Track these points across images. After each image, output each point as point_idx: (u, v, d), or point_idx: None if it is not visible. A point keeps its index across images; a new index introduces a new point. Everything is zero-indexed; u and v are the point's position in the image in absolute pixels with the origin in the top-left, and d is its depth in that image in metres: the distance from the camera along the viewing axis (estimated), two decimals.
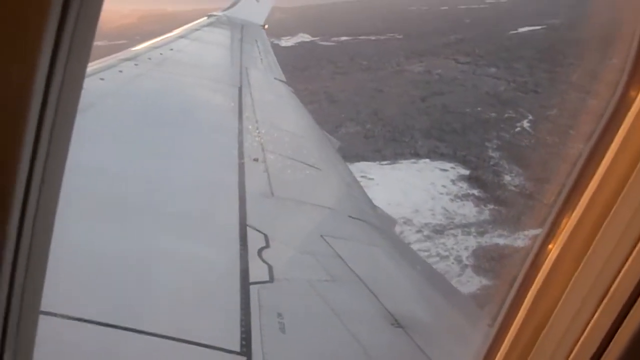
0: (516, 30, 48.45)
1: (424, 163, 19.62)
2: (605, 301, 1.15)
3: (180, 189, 4.22)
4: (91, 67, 7.15)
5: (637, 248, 1.09)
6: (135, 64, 8.11)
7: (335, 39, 52.84)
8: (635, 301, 1.08)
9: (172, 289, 2.78)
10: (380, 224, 5.38)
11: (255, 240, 3.38)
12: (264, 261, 3.17)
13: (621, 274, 1.11)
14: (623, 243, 1.12)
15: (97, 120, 5.10)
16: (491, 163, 18.49)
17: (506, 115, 23.03)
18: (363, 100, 27.18)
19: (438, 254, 14.60)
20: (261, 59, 12.85)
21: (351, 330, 2.87)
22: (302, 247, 3.73)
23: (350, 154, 21.69)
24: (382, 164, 19.98)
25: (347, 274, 3.48)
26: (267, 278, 2.98)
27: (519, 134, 21.21)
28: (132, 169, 4.29)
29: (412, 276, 4.26)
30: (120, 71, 7.44)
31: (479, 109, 23.96)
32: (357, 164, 20.28)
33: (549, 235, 1.30)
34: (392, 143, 21.57)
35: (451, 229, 15.45)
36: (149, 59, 8.80)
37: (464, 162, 19.33)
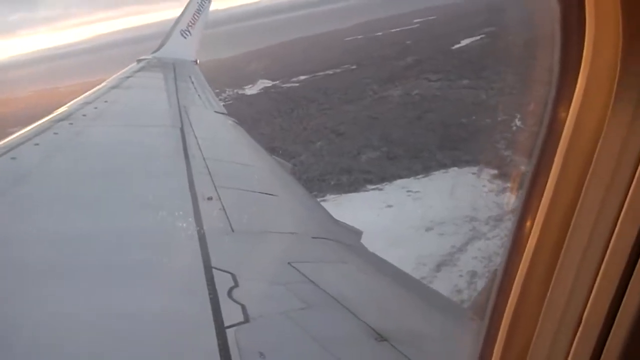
0: (459, 43, 52.03)
1: (454, 171, 22.00)
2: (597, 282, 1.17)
3: (136, 241, 4.12)
4: (23, 133, 7.08)
5: (619, 222, 1.12)
6: (70, 123, 7.87)
7: (295, 79, 54.63)
8: (630, 272, 1.10)
9: (145, 348, 2.68)
10: (346, 239, 5.38)
11: (223, 282, 3.31)
12: (235, 301, 3.09)
13: (610, 245, 1.13)
14: (602, 219, 1.14)
15: (37, 188, 5.07)
16: (509, 160, 20.84)
17: (499, 118, 25.73)
18: (365, 129, 29.33)
19: None
20: (198, 95, 12.90)
21: (336, 354, 2.86)
22: (272, 278, 3.66)
23: (385, 175, 24.03)
24: (417, 178, 22.20)
25: (321, 298, 3.43)
26: (241, 319, 2.92)
27: (517, 132, 23.77)
28: (85, 229, 4.20)
29: (386, 286, 4.27)
30: (56, 133, 7.20)
31: (473, 117, 26.64)
32: (395, 182, 22.65)
33: (524, 220, 1.34)
34: (415, 159, 23.81)
35: (508, 216, 17.77)
36: (84, 115, 8.59)
37: (487, 164, 21.80)
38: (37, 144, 6.51)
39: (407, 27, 74.45)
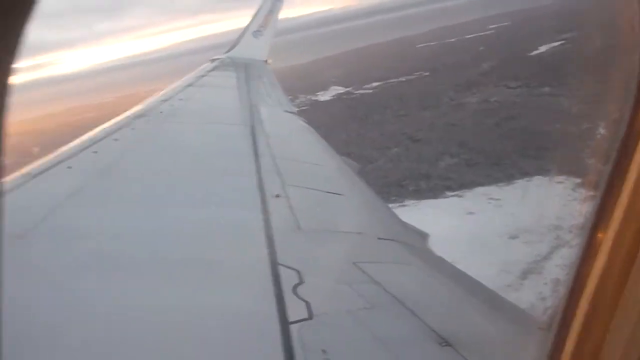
0: (537, 49, 50.66)
1: (538, 179, 21.63)
2: None
3: (206, 237, 4.22)
4: (103, 129, 7.43)
5: None
6: (147, 120, 8.29)
7: (367, 86, 54.71)
8: None
9: (211, 342, 2.74)
10: (412, 241, 5.34)
11: (288, 278, 3.37)
12: (300, 298, 3.13)
13: None
14: None
15: (117, 182, 5.30)
16: (593, 169, 20.31)
17: (583, 126, 24.84)
18: (443, 135, 29.16)
19: None
20: (269, 94, 13.16)
21: (399, 356, 2.87)
22: (337, 277, 3.68)
23: (465, 182, 23.85)
24: (499, 186, 21.92)
25: (385, 299, 3.42)
26: (305, 315, 2.95)
27: (601, 140, 23.08)
28: (159, 223, 4.38)
29: (452, 290, 4.24)
30: (134, 129, 7.56)
31: (556, 125, 25.98)
32: (475, 189, 22.47)
33: (597, 227, 1.29)
34: (495, 167, 23.54)
35: None
36: (160, 112, 9.03)
37: (570, 173, 21.20)
38: (116, 140, 6.82)
39: (481, 34, 73.12)
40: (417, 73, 54.76)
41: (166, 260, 3.71)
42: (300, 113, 13.50)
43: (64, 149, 6.33)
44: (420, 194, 22.81)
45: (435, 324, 3.14)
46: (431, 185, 23.45)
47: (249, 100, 11.18)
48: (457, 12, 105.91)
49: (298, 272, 3.49)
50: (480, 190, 22.66)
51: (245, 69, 15.78)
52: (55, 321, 2.76)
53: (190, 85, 12.54)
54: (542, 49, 50.61)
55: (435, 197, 22.42)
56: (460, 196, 22.36)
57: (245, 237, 4.27)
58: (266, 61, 18.48)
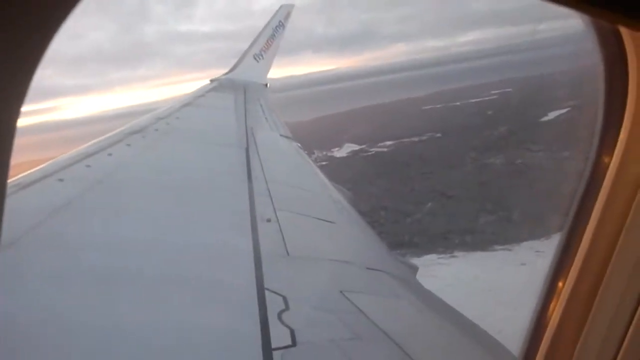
0: (547, 115, 52.38)
1: None
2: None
3: (194, 256, 4.16)
4: (97, 143, 7.28)
5: None
6: (143, 136, 8.15)
7: (381, 144, 55.43)
8: None
9: None
10: (401, 273, 5.27)
11: (274, 303, 3.32)
12: (285, 324, 3.08)
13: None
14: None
15: (108, 196, 5.21)
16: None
17: None
18: (475, 193, 30.17)
19: None
20: (266, 118, 13.10)
21: None
22: (323, 305, 3.64)
23: (509, 237, 24.89)
24: (543, 240, 22.74)
25: (371, 330, 3.38)
26: (289, 342, 2.91)
27: None
28: (147, 240, 4.28)
29: (439, 325, 4.20)
30: (128, 145, 7.43)
31: None
32: (522, 243, 23.42)
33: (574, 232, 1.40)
34: (535, 223, 24.31)
35: None
36: (156, 130, 8.87)
37: None
38: (110, 154, 6.70)
39: (485, 98, 75.16)
40: (429, 134, 55.82)
41: (152, 278, 3.60)
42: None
43: (57, 160, 6.18)
44: (468, 247, 23.71)
45: (418, 356, 3.14)
46: (477, 239, 24.33)
47: (245, 122, 11.16)
48: (456, 76, 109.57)
49: (284, 298, 3.43)
50: (526, 244, 23.70)
51: (243, 91, 15.83)
52: (34, 331, 2.64)
53: (187, 104, 12.54)
54: (552, 115, 52.41)
55: (484, 249, 23.36)
56: (509, 250, 23.34)
57: (233, 259, 4.19)
58: (265, 85, 18.70)
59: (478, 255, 24.21)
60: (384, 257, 5.78)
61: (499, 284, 18.67)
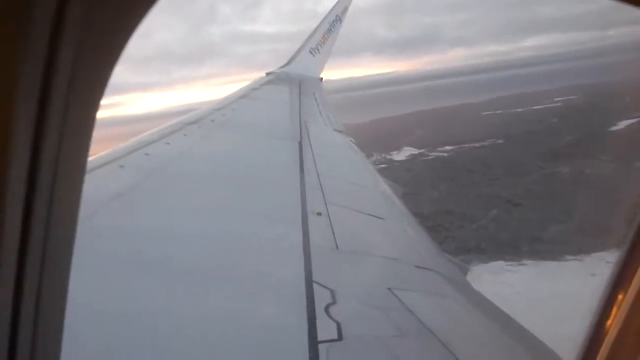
0: (616, 125, 50.62)
1: None
2: None
3: (244, 247, 4.17)
4: (156, 132, 7.49)
5: None
6: (199, 127, 8.37)
7: (441, 148, 54.64)
8: None
9: (237, 350, 2.74)
10: (450, 273, 5.25)
11: (321, 297, 3.33)
12: (331, 318, 3.09)
13: None
14: None
15: (164, 184, 5.30)
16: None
17: None
18: (543, 202, 29.44)
19: None
20: (320, 112, 13.21)
21: None
22: (370, 301, 3.61)
23: (580, 247, 24.50)
24: (614, 253, 22.03)
25: (418, 328, 3.37)
26: (335, 336, 2.92)
27: None
28: (199, 229, 4.31)
29: (487, 326, 4.18)
30: (185, 135, 7.64)
31: None
32: (594, 254, 23.00)
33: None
34: (607, 236, 23.59)
35: None
36: (212, 120, 9.09)
37: None
38: (167, 143, 6.89)
39: (548, 105, 73.25)
40: (490, 140, 54.73)
41: (202, 267, 3.65)
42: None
43: (118, 148, 6.38)
44: (538, 255, 23.38)
45: (464, 357, 3.15)
46: (547, 248, 23.95)
47: (299, 115, 11.21)
48: (518, 82, 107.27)
49: (332, 291, 3.45)
50: (596, 255, 23.23)
51: (299, 85, 15.93)
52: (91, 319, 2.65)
53: (243, 97, 12.78)
54: (621, 125, 50.70)
55: (554, 259, 23.03)
56: (580, 260, 22.95)
57: (283, 251, 4.19)
58: (321, 78, 18.88)
59: (548, 264, 23.94)
60: (433, 256, 5.75)
61: (568, 293, 18.62)
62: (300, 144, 8.42)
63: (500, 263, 22.44)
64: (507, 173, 40.56)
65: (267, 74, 17.52)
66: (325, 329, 2.98)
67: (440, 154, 54.86)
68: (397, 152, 58.78)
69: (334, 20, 19.90)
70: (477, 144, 56.99)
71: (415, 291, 4.27)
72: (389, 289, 3.89)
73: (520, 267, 23.25)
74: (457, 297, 4.59)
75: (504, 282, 19.06)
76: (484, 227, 29.08)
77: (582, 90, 77.13)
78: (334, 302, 3.31)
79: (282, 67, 18.87)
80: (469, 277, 5.90)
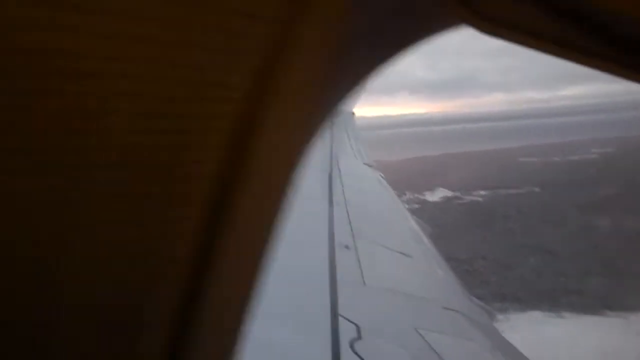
0: None
1: None
2: None
3: (272, 276, 3.91)
4: None
5: None
6: None
7: (476, 192, 54.56)
8: None
9: None
10: (477, 317, 5.13)
11: (347, 331, 3.24)
12: (356, 353, 3.02)
13: None
14: None
15: None
16: None
17: None
18: (581, 254, 29.22)
19: None
20: (351, 145, 13.24)
21: None
22: (395, 339, 3.55)
23: (624, 304, 24.03)
24: None
25: None
26: None
27: None
28: None
29: None
30: None
31: None
32: (637, 312, 22.50)
33: None
34: None
35: None
36: None
37: None
38: None
39: (586, 156, 72.80)
40: (526, 187, 54.45)
41: None
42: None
43: None
44: (577, 309, 22.99)
45: None
46: (586, 302, 23.53)
47: (330, 147, 11.11)
48: (555, 130, 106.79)
49: (357, 326, 3.36)
50: None
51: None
52: None
53: None
54: None
55: (595, 314, 22.58)
56: (623, 317, 22.50)
57: (309, 282, 4.12)
58: (352, 113, 18.78)
59: (589, 319, 23.48)
60: (461, 298, 5.68)
61: (614, 350, 18.33)
62: (330, 175, 8.42)
63: (538, 313, 22.10)
64: (544, 222, 40.12)
65: None
66: None
67: (475, 198, 54.59)
68: (430, 192, 58.69)
69: None
70: (512, 191, 56.68)
71: (442, 332, 4.20)
72: (415, 329, 3.83)
73: (559, 319, 22.92)
74: (484, 341, 4.47)
75: (542, 334, 18.91)
76: (520, 276, 28.82)
77: (619, 142, 76.38)
78: (359, 338, 3.23)
79: None
80: (504, 326, 5.58)
